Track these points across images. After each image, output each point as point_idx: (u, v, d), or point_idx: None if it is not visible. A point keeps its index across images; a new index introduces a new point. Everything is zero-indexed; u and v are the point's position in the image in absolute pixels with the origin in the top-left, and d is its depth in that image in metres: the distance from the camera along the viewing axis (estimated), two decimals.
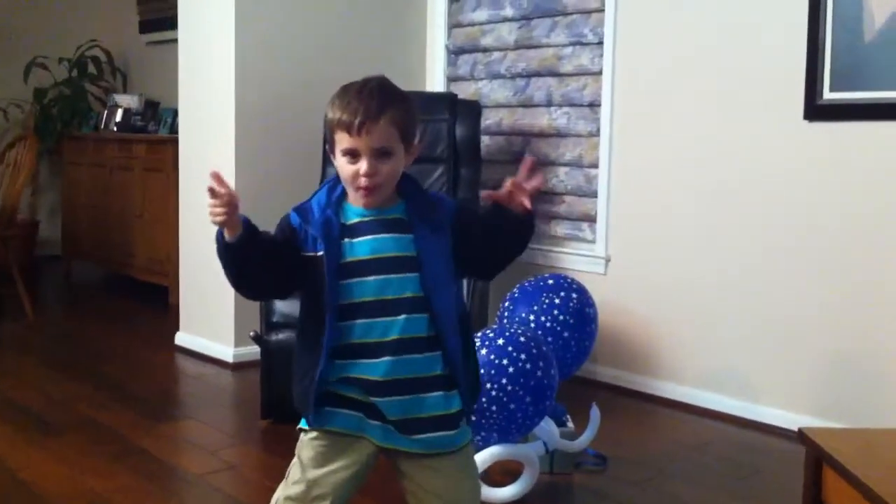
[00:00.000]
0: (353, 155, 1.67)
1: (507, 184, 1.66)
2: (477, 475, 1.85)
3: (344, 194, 1.75)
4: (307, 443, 1.77)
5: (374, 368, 1.68)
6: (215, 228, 1.70)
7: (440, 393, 1.72)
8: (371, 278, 1.68)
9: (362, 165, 1.66)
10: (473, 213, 1.76)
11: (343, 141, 1.68)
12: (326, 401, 1.73)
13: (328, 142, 1.74)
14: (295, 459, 1.79)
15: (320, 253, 1.69)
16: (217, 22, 4.17)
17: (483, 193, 1.71)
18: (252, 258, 1.68)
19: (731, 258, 3.58)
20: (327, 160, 3.67)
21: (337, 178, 1.76)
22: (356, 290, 1.68)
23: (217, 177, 1.67)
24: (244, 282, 1.74)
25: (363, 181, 1.67)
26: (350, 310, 1.69)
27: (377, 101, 1.67)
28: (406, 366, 1.69)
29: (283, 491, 1.78)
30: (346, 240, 1.70)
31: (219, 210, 1.65)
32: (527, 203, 1.65)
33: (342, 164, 1.70)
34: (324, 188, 1.76)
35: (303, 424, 1.77)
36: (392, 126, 1.67)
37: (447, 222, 1.72)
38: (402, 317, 1.68)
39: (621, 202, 3.95)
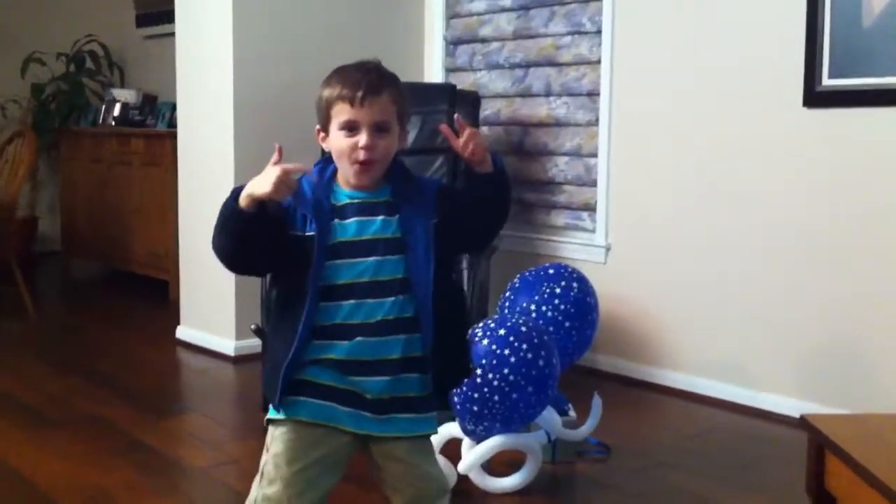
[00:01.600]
0: (351, 128, 1.68)
1: (462, 138, 1.68)
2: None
3: (334, 175, 1.74)
4: (278, 437, 1.73)
5: (356, 349, 1.68)
6: (216, 217, 1.69)
7: (417, 375, 1.73)
8: (361, 260, 1.69)
9: (361, 138, 1.67)
10: (454, 188, 1.79)
11: (343, 113, 1.68)
12: (296, 390, 1.71)
13: (321, 121, 1.73)
14: (268, 455, 1.75)
15: (311, 233, 1.68)
16: (214, 15, 4.16)
17: (442, 127, 1.74)
18: (258, 232, 1.65)
19: (731, 245, 3.58)
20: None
21: (327, 159, 1.75)
22: (345, 272, 1.68)
23: (281, 150, 1.68)
24: (236, 251, 1.68)
25: (361, 154, 1.67)
26: (338, 291, 1.68)
27: (378, 77, 1.70)
28: (390, 346, 1.69)
29: (260, 490, 1.75)
30: (336, 221, 1.70)
31: (291, 181, 1.62)
32: (471, 145, 1.67)
33: (338, 138, 1.69)
34: (314, 168, 1.75)
35: (271, 414, 1.74)
36: (392, 102, 1.70)
37: (431, 203, 1.73)
38: (391, 298, 1.69)
39: (621, 191, 3.95)
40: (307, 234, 1.68)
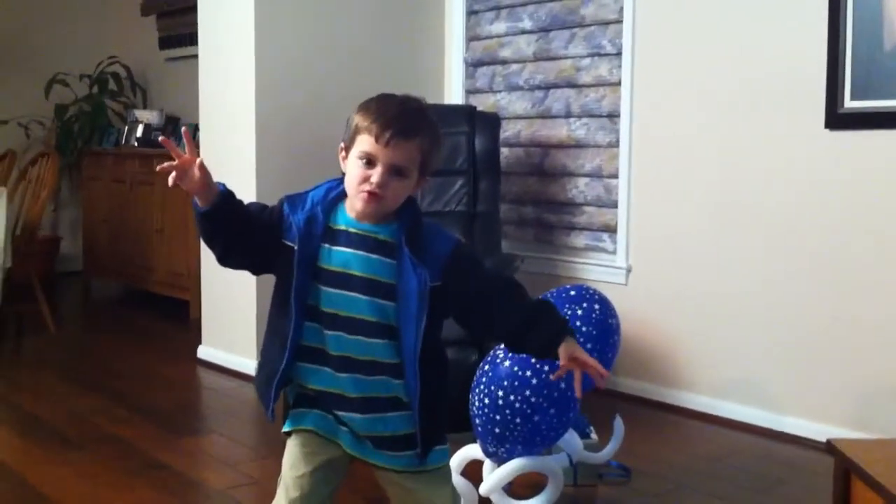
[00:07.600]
0: (369, 162, 1.64)
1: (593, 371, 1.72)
2: (454, 495, 1.83)
3: (340, 196, 1.71)
4: (288, 445, 1.80)
5: (336, 381, 1.68)
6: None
7: (404, 413, 1.70)
8: (340, 292, 1.66)
9: (375, 174, 1.63)
10: (472, 265, 1.72)
11: (365, 144, 1.64)
12: (303, 403, 1.76)
13: (346, 142, 1.69)
14: None
15: (291, 244, 1.66)
16: (237, 37, 4.19)
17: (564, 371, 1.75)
18: (225, 229, 1.69)
19: (753, 267, 3.56)
20: None
21: (339, 181, 1.72)
22: (325, 300, 1.66)
23: (166, 142, 1.70)
24: (217, 247, 1.72)
25: (370, 186, 1.63)
26: (323, 316, 1.67)
27: (414, 121, 1.66)
28: (368, 385, 1.68)
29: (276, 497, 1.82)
30: (326, 245, 1.67)
31: (172, 171, 1.64)
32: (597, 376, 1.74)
33: (354, 166, 1.66)
34: (323, 186, 1.73)
35: (285, 427, 1.80)
36: (418, 151, 1.66)
37: (439, 263, 1.67)
38: (374, 340, 1.66)
39: (641, 212, 3.94)
40: (288, 243, 1.67)
